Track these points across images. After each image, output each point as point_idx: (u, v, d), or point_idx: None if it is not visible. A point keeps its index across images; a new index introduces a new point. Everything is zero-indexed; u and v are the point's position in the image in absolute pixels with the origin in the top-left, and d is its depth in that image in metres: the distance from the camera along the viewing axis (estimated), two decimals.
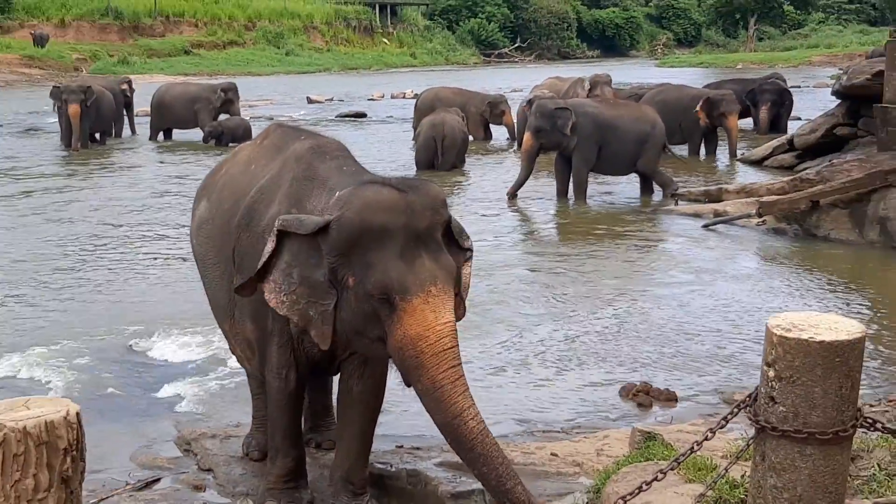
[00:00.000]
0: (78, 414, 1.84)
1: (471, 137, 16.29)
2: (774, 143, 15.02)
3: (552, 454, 4.35)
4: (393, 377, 3.60)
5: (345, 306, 3.38)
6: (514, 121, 18.15)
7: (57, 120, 18.84)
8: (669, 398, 5.43)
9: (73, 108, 17.49)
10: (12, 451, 1.76)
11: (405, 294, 3.22)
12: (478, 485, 3.92)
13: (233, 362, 5.92)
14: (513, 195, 12.10)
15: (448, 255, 3.38)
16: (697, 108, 15.41)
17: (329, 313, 3.40)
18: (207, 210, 4.23)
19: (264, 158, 4.04)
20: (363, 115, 24.65)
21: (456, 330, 3.27)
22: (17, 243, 9.98)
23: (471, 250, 3.63)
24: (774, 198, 10.17)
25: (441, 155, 14.69)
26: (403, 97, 29.93)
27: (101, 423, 5.01)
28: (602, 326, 6.81)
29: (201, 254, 4.25)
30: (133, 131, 20.65)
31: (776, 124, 18.17)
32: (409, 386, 3.33)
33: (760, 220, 10.09)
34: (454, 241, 3.55)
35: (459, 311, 3.53)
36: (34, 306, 7.63)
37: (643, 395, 5.43)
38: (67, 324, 7.08)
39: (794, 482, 2.31)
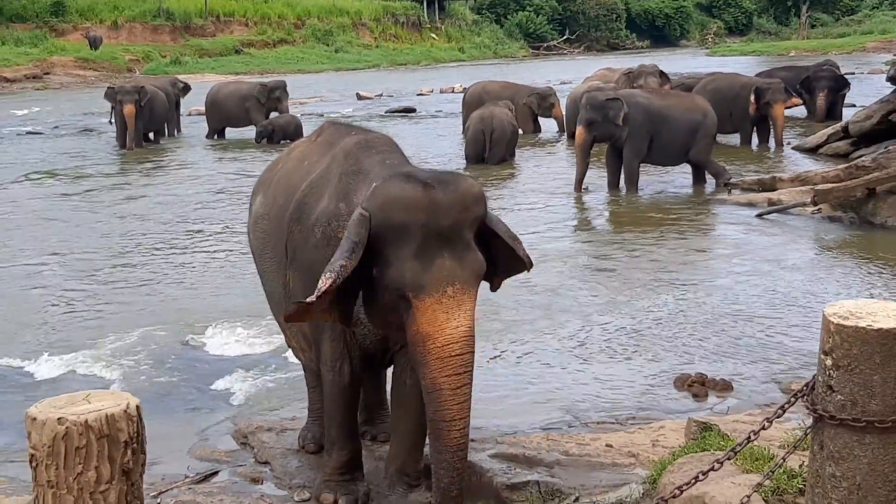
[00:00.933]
0: (138, 407, 1.87)
1: (520, 131, 16.24)
2: (829, 130, 14.81)
3: (607, 445, 4.34)
4: None
5: (374, 292, 3.41)
6: (563, 113, 18.10)
7: (112, 121, 19.08)
8: (725, 388, 5.38)
9: (129, 109, 17.74)
10: (74, 444, 1.79)
11: (418, 293, 3.23)
12: (532, 476, 3.95)
13: (288, 355, 5.99)
14: (579, 188, 12.06)
15: (476, 255, 3.34)
16: (750, 95, 15.26)
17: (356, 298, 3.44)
18: (263, 205, 4.27)
19: (316, 155, 4.07)
20: (412, 111, 24.70)
21: (470, 335, 3.26)
22: (75, 240, 10.15)
23: (530, 265, 3.67)
24: (830, 186, 10.02)
25: (490, 148, 14.67)
26: (452, 91, 29.91)
27: (159, 417, 5.08)
28: (656, 317, 6.77)
29: (258, 248, 4.30)
30: (179, 130, 20.86)
31: (831, 111, 17.93)
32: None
33: (815, 208, 9.96)
34: (499, 238, 3.53)
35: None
36: (93, 301, 7.76)
37: (698, 386, 5.39)
38: (125, 319, 7.19)
39: (853, 471, 2.28)
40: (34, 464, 1.83)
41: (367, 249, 3.31)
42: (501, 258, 3.59)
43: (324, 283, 3.24)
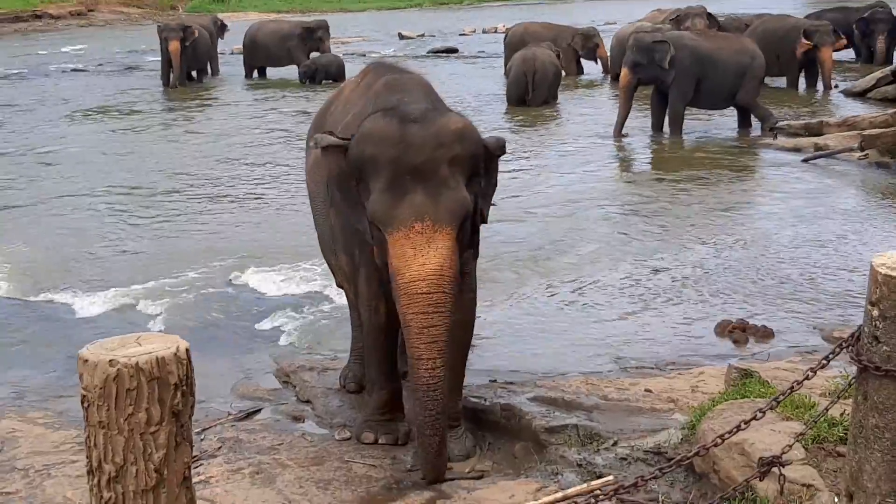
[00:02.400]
0: (188, 350, 1.90)
1: (563, 72, 16.06)
2: (878, 74, 14.52)
3: (646, 390, 4.34)
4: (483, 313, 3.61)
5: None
6: (608, 54, 17.89)
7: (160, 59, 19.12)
8: (766, 335, 5.35)
9: (174, 45, 17.80)
10: (125, 385, 1.82)
11: (387, 226, 3.29)
12: (571, 419, 3.96)
13: (330, 295, 6.06)
14: (619, 133, 11.92)
15: (455, 192, 3.32)
16: (801, 44, 14.97)
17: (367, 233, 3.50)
18: None
19: (357, 96, 4.08)
20: (455, 51, 24.52)
21: (441, 274, 3.26)
22: (120, 178, 10.26)
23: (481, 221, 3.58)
24: (878, 131, 9.88)
25: (532, 90, 14.55)
26: (495, 32, 29.59)
27: (202, 355, 5.11)
28: (698, 262, 6.73)
29: (313, 191, 4.32)
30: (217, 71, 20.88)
31: (887, 54, 17.51)
32: None
33: (863, 153, 9.82)
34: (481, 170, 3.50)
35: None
36: (137, 239, 7.87)
37: (739, 332, 5.35)
38: (169, 257, 7.28)
39: None
40: (86, 404, 1.87)
41: (359, 186, 3.42)
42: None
43: None
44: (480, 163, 3.49)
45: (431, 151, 3.31)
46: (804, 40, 14.95)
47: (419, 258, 3.26)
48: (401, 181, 3.29)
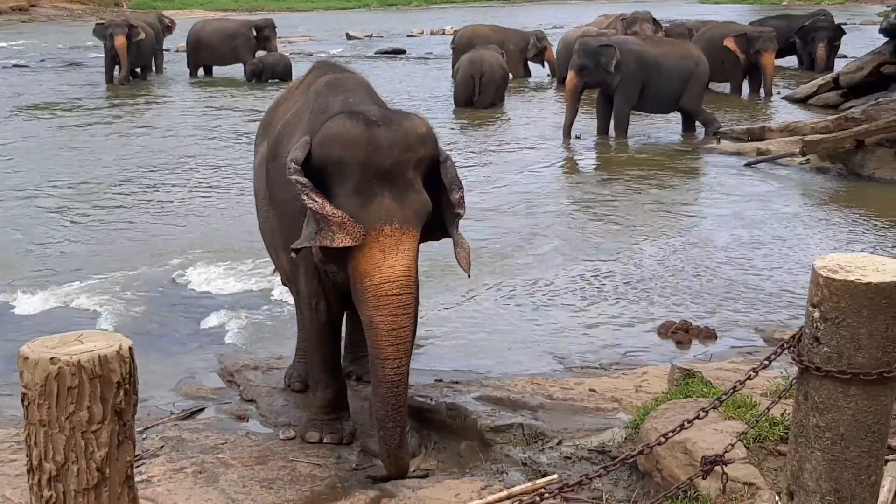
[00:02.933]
0: (130, 348, 1.87)
1: (510, 75, 16.12)
2: (820, 81, 14.80)
3: (591, 390, 4.37)
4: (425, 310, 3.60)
5: None
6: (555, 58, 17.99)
7: (103, 56, 18.84)
8: (708, 336, 5.42)
9: (120, 40, 17.56)
10: (66, 384, 1.79)
11: None
12: (516, 419, 3.98)
13: (276, 294, 6.02)
14: (567, 134, 11.99)
15: (419, 195, 3.35)
16: (727, 42, 15.20)
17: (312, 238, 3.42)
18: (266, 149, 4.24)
19: (300, 94, 4.07)
20: (402, 52, 24.51)
21: (408, 276, 3.29)
22: (62, 175, 10.10)
23: (458, 214, 3.53)
24: (819, 137, 10.03)
25: (479, 92, 14.59)
26: (443, 34, 29.66)
27: (145, 354, 5.07)
28: (642, 263, 6.80)
29: (258, 190, 4.28)
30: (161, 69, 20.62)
31: (826, 62, 17.80)
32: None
33: (804, 158, 9.98)
34: (441, 182, 3.49)
35: (462, 261, 3.51)
36: (79, 236, 7.75)
37: (682, 333, 5.42)
38: (111, 254, 7.19)
39: (836, 422, 2.30)
40: (26, 403, 1.83)
41: (316, 185, 3.36)
42: (444, 206, 3.55)
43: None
44: (435, 162, 3.50)
45: (399, 154, 3.32)
46: (735, 44, 15.16)
47: (388, 260, 3.27)
48: (368, 184, 3.28)
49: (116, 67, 18.08)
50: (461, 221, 3.59)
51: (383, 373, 3.36)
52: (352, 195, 3.29)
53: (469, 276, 3.66)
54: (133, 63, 18.47)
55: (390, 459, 3.52)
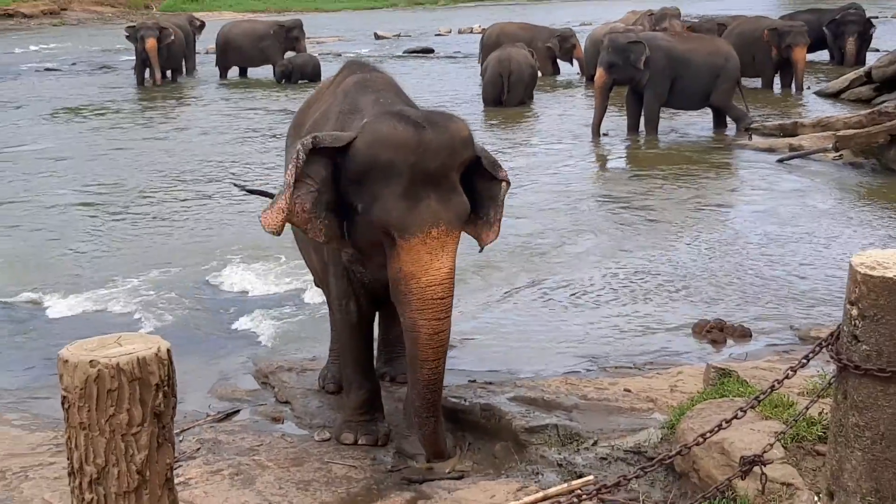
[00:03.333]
0: (169, 350, 1.88)
1: (539, 73, 16.08)
2: (852, 75, 14.64)
3: (625, 390, 4.35)
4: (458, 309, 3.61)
5: (355, 227, 3.46)
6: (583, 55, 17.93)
7: (134, 58, 18.99)
8: (743, 334, 5.37)
9: (150, 42, 17.72)
10: (106, 386, 1.81)
11: (403, 232, 3.27)
12: (551, 419, 3.96)
13: (309, 295, 6.04)
14: (596, 132, 11.96)
15: (461, 197, 3.37)
16: (764, 35, 15.10)
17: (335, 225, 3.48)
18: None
19: (329, 95, 4.09)
20: (430, 51, 24.51)
21: (451, 278, 3.32)
22: (97, 177, 10.19)
23: (507, 182, 3.65)
24: (851, 132, 9.93)
25: (508, 91, 14.56)
26: (471, 32, 29.65)
27: (180, 356, 5.02)
28: (674, 262, 6.76)
29: None
30: (194, 69, 20.81)
31: (856, 56, 17.64)
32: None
33: (837, 154, 9.88)
34: (481, 169, 3.56)
35: (490, 236, 3.66)
36: (115, 239, 7.82)
37: (717, 332, 5.38)
38: (146, 256, 7.23)
39: (876, 421, 2.29)
40: (66, 405, 1.85)
41: (352, 184, 3.38)
42: (485, 191, 3.61)
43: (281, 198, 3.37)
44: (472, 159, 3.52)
45: (446, 158, 3.32)
46: (766, 38, 15.07)
47: (435, 262, 3.28)
48: (415, 187, 3.28)
49: (147, 70, 18.22)
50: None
51: (421, 373, 3.40)
52: (400, 198, 3.27)
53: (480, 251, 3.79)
54: (164, 65, 18.60)
55: (426, 443, 3.62)
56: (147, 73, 18.20)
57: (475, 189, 3.57)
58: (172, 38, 18.07)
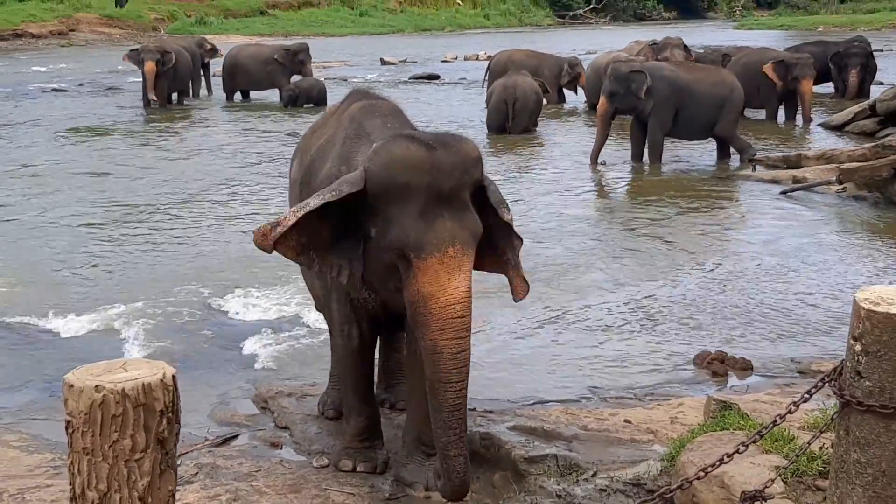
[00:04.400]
0: (174, 377, 1.89)
1: (544, 101, 16.13)
2: (856, 108, 14.67)
3: (625, 421, 4.34)
4: None
5: (369, 255, 3.43)
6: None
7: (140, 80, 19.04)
8: (744, 367, 5.37)
9: (149, 66, 17.77)
10: (111, 412, 1.81)
11: (420, 252, 3.24)
12: (550, 449, 3.96)
13: (309, 320, 6.04)
14: (595, 160, 11.99)
15: (474, 216, 3.35)
16: (766, 68, 15.14)
17: (359, 258, 3.46)
18: (297, 171, 4.28)
19: (334, 121, 4.10)
20: (436, 77, 24.61)
21: (470, 297, 3.28)
22: (100, 199, 10.20)
23: (510, 225, 3.58)
24: (856, 165, 9.95)
25: (513, 118, 14.60)
26: (476, 59, 29.77)
27: (180, 379, 5.09)
28: (676, 293, 6.76)
29: None
30: (210, 91, 20.92)
31: (860, 89, 17.70)
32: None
33: (841, 187, 9.90)
34: (490, 206, 3.51)
35: (522, 288, 3.63)
36: (116, 261, 7.81)
37: (718, 364, 5.37)
38: (148, 280, 7.23)
39: (878, 458, 2.28)
40: (70, 430, 1.85)
41: (365, 209, 3.37)
42: (493, 227, 3.55)
43: (285, 219, 3.39)
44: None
45: (459, 177, 3.32)
46: (772, 71, 15.10)
47: (453, 282, 3.24)
48: (431, 207, 3.27)
49: (153, 92, 18.30)
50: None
51: (445, 397, 3.29)
52: (417, 218, 3.26)
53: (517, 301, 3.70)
54: (169, 88, 18.67)
55: (453, 484, 3.40)
56: (152, 96, 18.28)
57: (488, 224, 3.51)
58: (174, 60, 18.10)
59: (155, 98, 17.91)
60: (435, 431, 3.37)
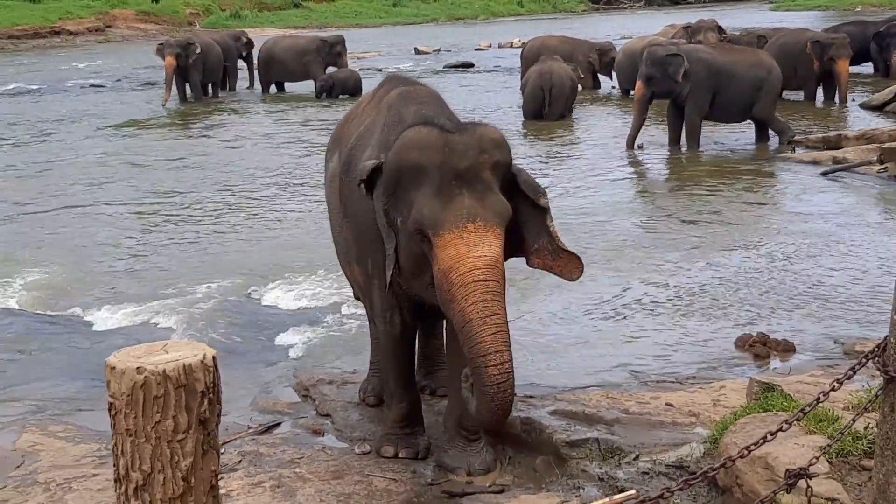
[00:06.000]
0: (214, 358, 1.90)
1: (579, 87, 16.06)
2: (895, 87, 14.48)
3: (667, 404, 4.32)
4: None
5: (401, 249, 3.42)
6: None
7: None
8: (787, 349, 5.31)
9: (168, 60, 17.87)
10: (152, 393, 1.83)
11: (437, 229, 3.21)
12: (592, 433, 3.95)
13: (348, 308, 6.05)
14: (631, 145, 11.92)
15: (499, 197, 3.30)
16: (807, 47, 14.98)
17: (391, 256, 3.43)
18: (336, 164, 4.27)
19: (372, 108, 4.10)
20: (471, 66, 24.57)
21: (496, 266, 3.17)
22: (139, 193, 10.30)
23: (546, 209, 3.50)
24: None
25: (549, 104, 14.55)
26: (511, 46, 29.67)
27: (222, 369, 5.09)
28: (717, 275, 6.70)
29: (331, 203, 4.31)
30: (251, 84, 20.99)
31: None
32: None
33: (882, 167, 9.78)
34: (521, 192, 3.47)
35: (574, 266, 3.50)
36: (157, 253, 7.89)
37: (760, 346, 5.32)
38: (189, 271, 7.30)
39: None
40: (113, 412, 1.87)
41: (390, 198, 3.39)
42: (528, 216, 3.51)
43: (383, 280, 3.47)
44: (509, 171, 3.46)
45: (475, 156, 3.30)
46: (809, 50, 14.93)
47: (474, 252, 3.16)
48: (448, 186, 3.26)
49: (187, 85, 18.42)
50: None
51: (487, 372, 3.10)
52: (432, 197, 3.26)
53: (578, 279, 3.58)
54: (203, 80, 18.77)
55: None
56: (188, 88, 18.39)
57: (520, 215, 3.47)
58: (199, 52, 18.12)
59: (166, 97, 17.90)
60: (479, 411, 3.22)
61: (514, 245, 3.46)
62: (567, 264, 3.51)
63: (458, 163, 3.27)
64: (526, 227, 3.52)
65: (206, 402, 1.86)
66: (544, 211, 3.51)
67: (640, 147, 11.89)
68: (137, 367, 1.81)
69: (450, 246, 3.19)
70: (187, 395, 1.83)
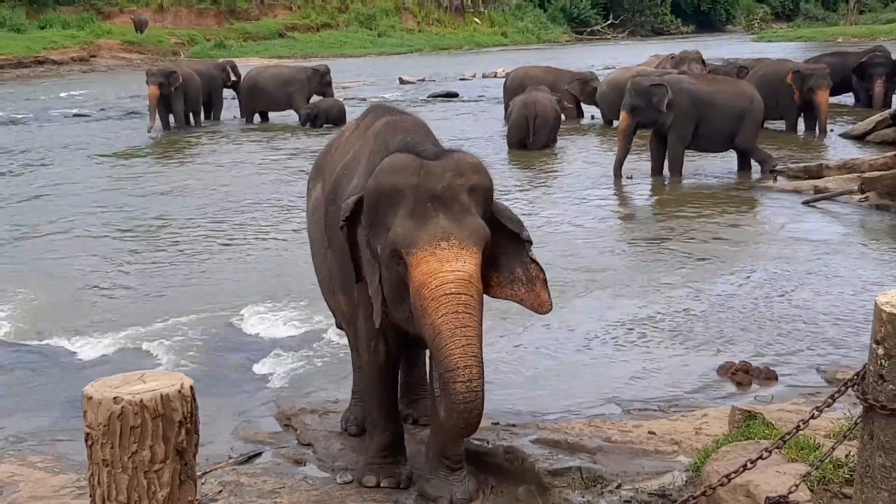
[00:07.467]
0: (192, 388, 1.89)
1: (562, 116, 16.14)
2: (877, 117, 14.60)
3: (650, 432, 4.32)
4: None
5: (383, 277, 3.41)
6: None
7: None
8: (769, 377, 5.33)
9: (151, 89, 17.84)
10: (129, 423, 1.82)
11: (410, 248, 3.20)
12: (574, 462, 3.94)
13: (331, 337, 6.04)
14: (618, 174, 11.97)
15: (476, 219, 3.28)
16: (788, 78, 15.10)
17: (377, 288, 3.42)
18: (320, 193, 4.26)
19: (356, 137, 4.10)
20: (455, 95, 24.66)
21: (471, 282, 3.13)
22: (121, 221, 10.27)
23: (529, 241, 3.50)
24: (877, 173, 9.90)
25: (533, 134, 14.62)
26: (495, 76, 29.80)
27: (203, 398, 5.03)
28: (699, 304, 6.72)
29: (313, 233, 4.31)
30: (243, 114, 20.97)
31: (885, 98, 17.58)
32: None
33: (863, 196, 9.84)
34: (502, 225, 3.47)
35: (533, 296, 3.50)
36: (138, 282, 7.85)
37: (742, 374, 5.34)
38: (169, 300, 7.26)
39: None
40: (89, 442, 1.86)
41: (370, 228, 3.39)
42: (506, 248, 3.51)
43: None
44: (491, 200, 3.46)
45: (451, 179, 3.30)
46: (790, 80, 15.06)
47: (447, 266, 3.14)
48: (423, 207, 3.26)
49: (170, 115, 18.40)
50: None
51: (454, 388, 3.04)
52: (407, 218, 3.26)
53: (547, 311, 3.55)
54: (186, 109, 18.76)
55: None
56: (171, 118, 18.38)
57: (499, 247, 3.47)
58: (180, 81, 18.11)
59: (150, 124, 17.89)
60: (435, 438, 3.27)
61: (488, 275, 3.45)
62: (538, 297, 3.52)
63: (434, 185, 3.28)
64: (504, 258, 3.52)
65: (183, 431, 1.85)
66: (526, 244, 3.51)
67: (630, 177, 11.93)
68: (115, 397, 1.80)
69: (423, 263, 3.17)
70: (165, 425, 1.82)
